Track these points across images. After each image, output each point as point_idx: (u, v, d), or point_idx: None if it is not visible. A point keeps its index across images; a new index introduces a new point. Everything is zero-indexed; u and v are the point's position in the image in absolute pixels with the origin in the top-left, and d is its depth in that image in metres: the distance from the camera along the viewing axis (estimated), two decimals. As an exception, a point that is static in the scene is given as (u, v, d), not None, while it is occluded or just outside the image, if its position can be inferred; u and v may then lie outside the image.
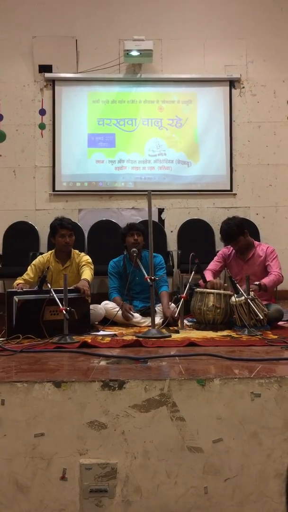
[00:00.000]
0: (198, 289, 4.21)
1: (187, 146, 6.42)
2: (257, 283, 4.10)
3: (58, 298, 3.51)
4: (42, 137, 6.35)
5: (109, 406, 2.31)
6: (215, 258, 4.61)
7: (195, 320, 4.20)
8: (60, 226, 4.33)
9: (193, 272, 4.19)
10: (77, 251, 4.50)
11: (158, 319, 4.08)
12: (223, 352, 2.99)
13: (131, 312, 4.29)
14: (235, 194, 6.40)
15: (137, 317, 4.31)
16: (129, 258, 4.51)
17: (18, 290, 3.84)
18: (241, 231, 4.32)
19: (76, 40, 6.27)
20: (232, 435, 2.30)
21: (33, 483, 2.28)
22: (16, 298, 3.65)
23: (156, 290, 4.35)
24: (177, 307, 4.08)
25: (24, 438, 2.29)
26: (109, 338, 3.63)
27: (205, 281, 4.22)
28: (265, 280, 4.17)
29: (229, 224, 4.35)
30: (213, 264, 4.55)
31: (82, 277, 4.14)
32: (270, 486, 2.30)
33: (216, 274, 4.50)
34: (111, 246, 5.57)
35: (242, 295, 3.81)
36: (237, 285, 3.91)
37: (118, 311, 4.24)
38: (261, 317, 3.75)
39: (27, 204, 6.30)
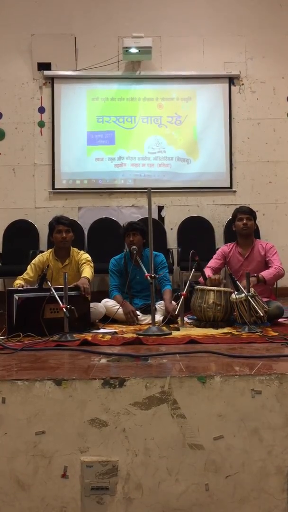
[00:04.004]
0: (198, 286, 4.20)
1: (187, 144, 6.41)
2: (256, 275, 4.14)
3: (58, 296, 3.52)
4: (42, 135, 6.34)
5: (110, 403, 2.31)
6: (215, 255, 4.61)
7: (195, 317, 4.20)
8: (56, 222, 4.34)
9: (193, 270, 4.19)
10: (76, 249, 4.49)
11: (158, 317, 4.08)
12: (223, 349, 2.99)
13: (136, 315, 4.25)
14: (235, 191, 6.40)
15: (137, 314, 4.31)
16: (129, 256, 4.50)
17: (19, 289, 3.84)
18: (254, 214, 4.53)
19: (75, 38, 6.26)
20: (233, 432, 2.31)
21: (34, 481, 2.28)
22: (16, 296, 3.65)
23: (159, 289, 4.34)
24: (177, 304, 4.08)
25: (25, 436, 2.30)
26: (109, 336, 3.63)
27: (205, 278, 4.22)
28: (264, 273, 4.22)
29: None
30: (213, 262, 4.55)
31: (83, 275, 4.13)
32: (271, 483, 2.30)
33: (216, 271, 4.50)
34: (111, 244, 5.57)
35: (242, 292, 3.82)
36: (237, 282, 3.92)
37: (118, 309, 4.24)
38: (262, 314, 3.76)
39: (27, 202, 6.30)
